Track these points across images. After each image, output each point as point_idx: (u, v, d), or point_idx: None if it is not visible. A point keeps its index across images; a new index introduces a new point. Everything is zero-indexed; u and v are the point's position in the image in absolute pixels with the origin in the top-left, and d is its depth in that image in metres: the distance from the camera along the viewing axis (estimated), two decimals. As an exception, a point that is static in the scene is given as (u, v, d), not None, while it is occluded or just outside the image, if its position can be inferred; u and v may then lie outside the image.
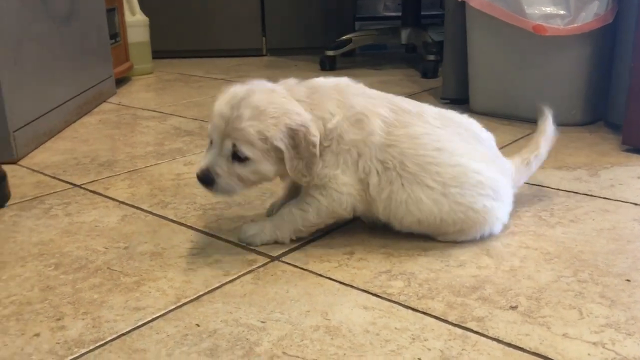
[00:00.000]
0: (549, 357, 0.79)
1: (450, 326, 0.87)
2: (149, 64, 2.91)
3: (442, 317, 0.89)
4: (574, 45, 1.79)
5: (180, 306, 0.93)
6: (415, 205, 1.08)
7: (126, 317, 0.91)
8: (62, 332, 0.87)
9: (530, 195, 1.34)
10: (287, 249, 1.11)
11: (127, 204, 1.34)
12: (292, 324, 0.88)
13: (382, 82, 2.54)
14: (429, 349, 0.82)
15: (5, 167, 1.46)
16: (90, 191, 1.42)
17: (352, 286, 0.98)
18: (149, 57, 2.91)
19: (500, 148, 1.63)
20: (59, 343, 0.85)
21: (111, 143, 1.81)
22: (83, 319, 0.90)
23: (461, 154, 1.09)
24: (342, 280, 1.00)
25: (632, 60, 1.60)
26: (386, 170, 1.08)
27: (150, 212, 1.29)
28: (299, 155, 1.03)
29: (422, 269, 1.03)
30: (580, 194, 1.34)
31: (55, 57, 1.92)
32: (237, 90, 1.07)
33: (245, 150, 1.02)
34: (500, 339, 0.83)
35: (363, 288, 0.98)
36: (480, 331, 0.85)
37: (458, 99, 2.13)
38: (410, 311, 0.91)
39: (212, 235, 1.18)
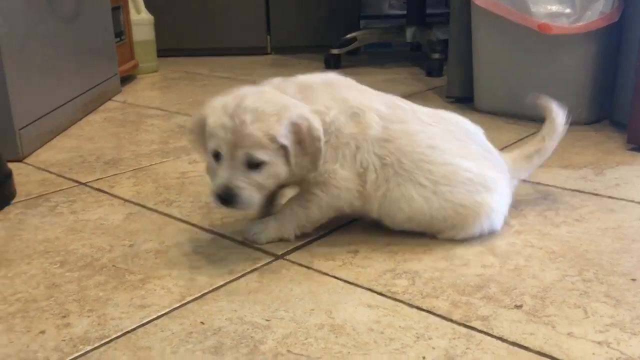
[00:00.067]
0: (554, 356, 0.79)
1: (454, 325, 0.87)
2: (154, 63, 2.91)
3: (447, 316, 0.89)
4: (579, 43, 1.79)
5: (185, 304, 0.94)
6: (407, 203, 1.09)
7: (131, 314, 0.91)
8: (68, 329, 0.88)
9: (535, 195, 1.33)
10: (291, 247, 1.11)
11: (132, 202, 1.34)
12: (297, 322, 0.88)
13: (386, 80, 2.54)
14: (434, 348, 0.82)
15: (11, 165, 1.46)
16: (96, 189, 1.43)
17: (356, 285, 0.98)
18: (154, 55, 2.92)
19: (505, 147, 1.64)
20: (64, 340, 0.85)
21: (116, 141, 1.82)
22: (88, 317, 0.91)
23: (452, 152, 1.10)
24: (346, 279, 1.00)
25: (638, 59, 1.59)
26: (384, 166, 1.08)
27: (155, 210, 1.30)
28: (305, 150, 1.02)
29: (427, 267, 1.03)
30: (585, 193, 1.34)
31: (60, 55, 1.92)
32: (225, 100, 1.04)
33: (259, 155, 0.99)
34: (505, 338, 0.83)
35: (367, 286, 0.98)
36: (484, 330, 0.85)
37: (463, 98, 2.13)
38: (414, 310, 0.91)
39: (216, 234, 1.18)
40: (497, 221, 1.13)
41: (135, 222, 1.24)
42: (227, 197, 1.00)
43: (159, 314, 0.91)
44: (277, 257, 1.08)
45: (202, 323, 0.88)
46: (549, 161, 1.52)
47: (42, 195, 1.40)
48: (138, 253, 1.10)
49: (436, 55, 2.64)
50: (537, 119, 1.86)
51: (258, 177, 1.01)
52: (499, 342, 0.83)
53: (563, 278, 0.98)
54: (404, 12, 3.03)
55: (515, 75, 1.92)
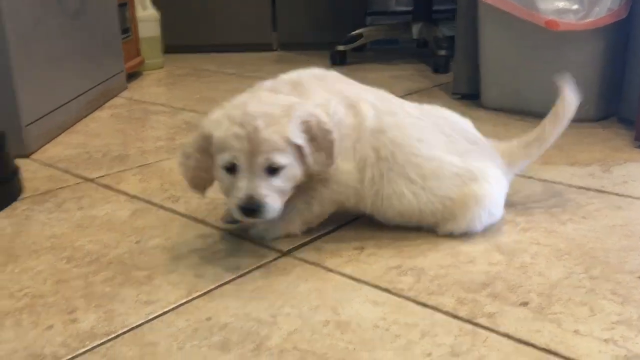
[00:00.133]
0: (560, 353, 0.79)
1: (460, 322, 0.87)
2: (160, 59, 2.91)
3: (453, 313, 0.89)
4: (587, 40, 1.78)
5: (191, 300, 0.94)
6: (397, 199, 1.09)
7: (138, 310, 0.91)
8: (75, 324, 0.88)
9: (541, 192, 1.33)
10: (297, 244, 1.11)
11: (138, 198, 1.35)
12: (302, 318, 0.88)
13: (393, 77, 2.53)
14: (439, 345, 0.82)
15: (18, 162, 1.47)
16: (102, 185, 1.43)
17: (362, 281, 0.98)
18: (160, 52, 2.92)
19: (512, 144, 1.63)
20: (71, 335, 0.85)
21: (122, 137, 1.82)
22: (95, 312, 0.91)
23: (439, 146, 1.11)
24: (352, 275, 1.00)
25: (646, 56, 1.58)
26: (379, 160, 1.08)
27: (162, 207, 1.30)
28: (319, 146, 1.01)
29: (433, 264, 1.03)
30: (592, 190, 1.33)
31: (67, 52, 1.93)
32: (226, 111, 1.02)
33: (279, 159, 0.98)
34: (511, 335, 0.83)
35: (373, 283, 0.98)
36: (490, 327, 0.85)
37: (469, 94, 2.12)
38: (420, 307, 0.91)
39: (223, 230, 1.18)
40: (493, 209, 1.12)
41: (141, 218, 1.25)
42: (254, 207, 0.97)
43: (165, 309, 0.91)
44: (283, 254, 1.08)
45: (209, 319, 0.89)
46: (556, 158, 1.52)
47: (49, 191, 1.40)
48: (144, 249, 1.11)
49: (442, 52, 2.63)
50: (544, 116, 1.85)
51: (278, 182, 1.00)
52: (505, 339, 0.83)
53: (569, 275, 0.98)
54: (410, 8, 3.02)
55: (521, 72, 1.92)
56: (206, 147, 1.02)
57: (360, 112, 1.09)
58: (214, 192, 1.34)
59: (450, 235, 1.12)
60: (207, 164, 1.03)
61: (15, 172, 1.40)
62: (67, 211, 1.29)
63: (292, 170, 1.01)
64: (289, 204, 1.12)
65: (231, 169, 0.99)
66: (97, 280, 1.00)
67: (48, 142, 1.76)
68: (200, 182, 1.06)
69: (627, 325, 0.85)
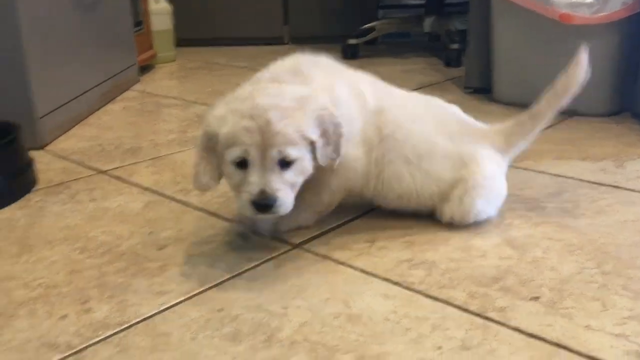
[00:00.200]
0: (571, 348, 0.79)
1: (471, 316, 0.87)
2: (172, 52, 2.92)
3: (463, 307, 0.89)
4: (601, 34, 1.76)
5: (203, 291, 0.95)
6: (397, 181, 1.11)
7: (150, 301, 0.92)
8: (88, 314, 0.89)
9: (554, 186, 1.32)
10: (308, 237, 1.11)
11: (151, 191, 1.36)
12: (313, 311, 0.89)
13: (404, 70, 2.53)
14: (450, 338, 0.82)
15: (32, 153, 1.48)
16: (115, 177, 1.44)
17: (373, 274, 0.99)
18: (172, 45, 2.93)
19: (524, 138, 1.62)
20: (85, 325, 0.86)
21: (135, 130, 1.83)
22: (108, 302, 0.92)
23: (430, 127, 1.13)
24: (363, 269, 1.00)
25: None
26: (381, 141, 1.09)
27: (174, 199, 1.31)
28: (328, 140, 0.99)
29: (444, 258, 1.03)
30: (605, 185, 1.32)
31: (80, 44, 1.94)
32: (233, 106, 0.98)
33: (292, 152, 0.95)
34: (522, 329, 0.83)
35: (384, 276, 0.98)
36: (501, 321, 0.85)
37: (481, 88, 2.11)
38: (431, 300, 0.91)
39: (234, 222, 1.19)
40: (489, 196, 1.12)
41: (154, 210, 1.25)
42: (267, 202, 0.94)
43: (178, 300, 0.92)
44: (294, 247, 1.08)
45: (220, 310, 0.89)
46: (568, 153, 1.51)
47: (63, 183, 1.42)
48: (157, 240, 1.12)
49: (455, 46, 2.61)
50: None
51: (290, 175, 0.97)
52: (516, 333, 0.83)
53: (581, 270, 0.98)
54: (423, 1, 3.00)
55: (535, 66, 1.90)
56: (212, 146, 0.99)
57: (362, 93, 1.09)
58: (225, 186, 1.35)
59: (462, 229, 1.12)
60: (214, 163, 1.00)
61: (29, 163, 1.41)
62: (81, 202, 1.30)
63: (304, 164, 0.99)
64: (297, 195, 1.12)
65: (241, 163, 0.96)
66: (110, 271, 1.01)
67: (62, 135, 1.77)
68: (212, 172, 1.01)
69: (639, 320, 0.84)
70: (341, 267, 1.01)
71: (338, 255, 1.05)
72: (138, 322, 0.87)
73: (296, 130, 0.96)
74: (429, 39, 3.29)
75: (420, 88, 2.17)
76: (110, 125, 1.89)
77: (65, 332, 0.85)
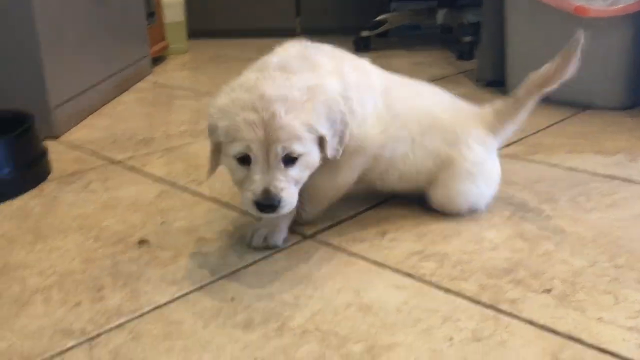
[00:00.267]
0: (583, 340, 0.79)
1: (482, 308, 0.87)
2: (184, 44, 2.93)
3: (475, 299, 0.89)
4: (616, 27, 1.75)
5: (216, 280, 0.95)
6: (402, 159, 1.10)
7: (163, 289, 0.93)
8: (102, 302, 0.90)
9: (566, 180, 1.32)
10: (320, 228, 1.11)
11: (163, 181, 1.36)
12: (325, 300, 0.89)
13: (416, 63, 2.52)
14: (461, 329, 0.82)
15: (46, 143, 1.50)
16: (128, 167, 1.45)
17: (384, 265, 0.99)
18: (185, 36, 2.93)
19: (538, 131, 1.62)
20: (98, 312, 0.87)
21: (148, 121, 1.84)
22: (122, 291, 0.93)
23: (430, 102, 1.14)
24: (374, 260, 1.01)
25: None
26: (392, 118, 1.07)
27: (186, 189, 1.32)
28: (335, 132, 0.95)
29: (455, 250, 1.03)
30: (618, 179, 1.31)
31: (93, 36, 1.95)
32: (235, 96, 0.92)
33: (298, 148, 0.90)
34: (534, 321, 0.83)
35: (395, 268, 0.98)
36: (513, 313, 0.85)
37: (494, 81, 2.09)
38: (442, 292, 0.91)
39: (246, 213, 1.19)
40: (480, 182, 1.12)
41: (166, 200, 1.26)
42: (272, 202, 0.89)
43: (190, 289, 0.93)
44: (305, 237, 1.09)
45: (232, 299, 0.90)
46: (581, 146, 1.50)
47: (76, 172, 1.43)
48: (170, 230, 1.12)
49: (467, 38, 2.60)
50: (570, 103, 1.83)
51: (295, 172, 0.92)
52: (528, 325, 0.83)
53: (594, 264, 0.97)
54: (436, -6, 2.99)
55: (548, 59, 1.88)
56: (215, 140, 0.95)
57: (368, 74, 1.08)
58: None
59: (473, 221, 1.12)
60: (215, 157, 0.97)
61: (43, 153, 1.43)
62: (94, 192, 1.31)
63: (310, 158, 0.93)
64: (309, 182, 1.03)
65: (244, 159, 0.91)
66: (124, 260, 1.02)
67: (75, 125, 1.79)
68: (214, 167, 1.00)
69: (652, 314, 0.84)
70: (353, 258, 1.02)
71: (349, 246, 1.05)
72: (151, 310, 0.88)
73: (304, 124, 0.90)
74: (442, 31, 3.27)
75: (433, 81, 2.16)
76: (123, 116, 1.90)
77: (79, 319, 0.86)
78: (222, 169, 1.38)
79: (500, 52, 2.04)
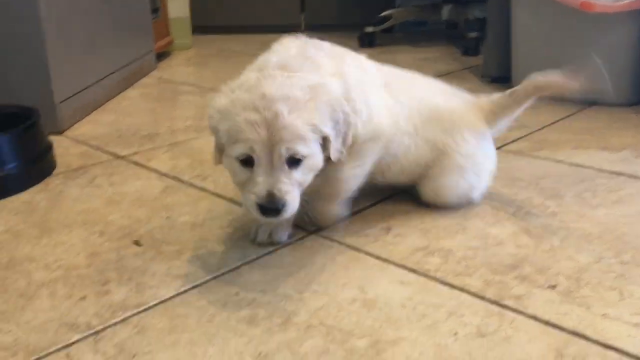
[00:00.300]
0: (588, 336, 0.79)
1: (487, 303, 0.87)
2: (188, 39, 2.93)
3: (480, 294, 0.89)
4: (622, 22, 1.74)
5: (220, 275, 0.95)
6: (404, 154, 1.10)
7: (168, 283, 0.93)
8: (107, 296, 0.90)
9: (572, 176, 1.31)
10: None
11: (168, 176, 1.37)
12: (329, 295, 0.89)
13: (421, 59, 2.51)
14: (465, 325, 0.82)
15: (51, 138, 1.50)
16: (133, 163, 1.46)
17: (389, 261, 0.99)
18: (189, 32, 2.93)
19: (543, 127, 1.61)
20: (104, 306, 0.88)
21: (152, 116, 1.84)
22: (127, 285, 0.93)
23: (430, 93, 1.15)
24: (379, 255, 1.01)
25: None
26: (398, 105, 1.07)
27: (191, 184, 1.32)
28: (338, 132, 0.93)
29: (460, 246, 1.03)
30: (624, 175, 1.31)
31: (99, 31, 1.95)
32: (236, 96, 0.90)
33: (302, 149, 0.87)
34: (538, 317, 0.83)
35: (400, 263, 0.98)
36: (518, 309, 0.85)
37: (500, 77, 2.09)
38: (447, 287, 0.91)
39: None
40: (469, 176, 1.13)
41: (171, 195, 1.26)
42: (276, 206, 0.87)
43: (195, 283, 0.93)
44: (310, 233, 1.09)
45: (237, 294, 0.90)
46: (587, 142, 1.50)
47: (81, 167, 1.43)
48: (175, 225, 1.13)
49: (473, 34, 2.59)
50: (576, 100, 1.82)
51: (298, 174, 0.89)
52: (532, 321, 0.82)
53: (599, 260, 0.97)
54: (441, -10, 2.98)
55: (554, 55, 1.88)
56: (218, 140, 0.93)
57: (368, 70, 1.08)
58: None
59: (478, 217, 1.11)
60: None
61: (48, 148, 1.43)
62: (99, 187, 1.31)
63: (314, 161, 0.91)
64: (322, 181, 1.02)
65: (246, 161, 0.88)
66: (129, 254, 1.02)
67: (80, 120, 1.79)
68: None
69: (657, 310, 0.84)
70: (357, 253, 1.02)
71: (354, 242, 1.05)
72: (156, 305, 0.88)
73: (307, 123, 0.88)
74: (447, 27, 3.26)
75: (438, 77, 2.16)
76: (128, 111, 1.90)
77: (84, 313, 0.86)
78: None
79: (505, 48, 2.03)
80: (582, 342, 0.78)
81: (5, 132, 1.31)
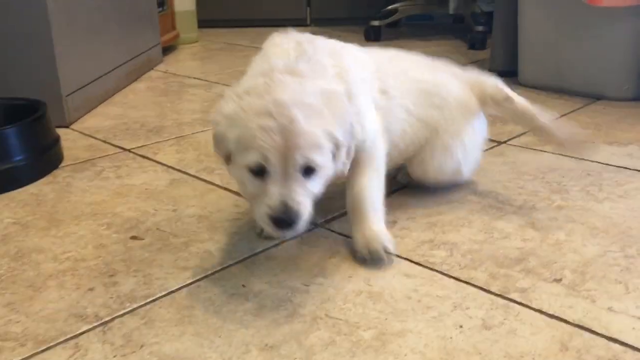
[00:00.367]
0: (593, 329, 0.79)
1: (492, 296, 0.87)
2: (194, 33, 2.94)
3: (485, 287, 0.89)
4: (630, 16, 1.73)
5: (227, 267, 0.96)
6: (401, 137, 1.10)
7: (175, 275, 0.94)
8: (115, 287, 0.91)
9: (578, 170, 1.31)
10: (330, 216, 1.12)
11: (175, 169, 1.37)
12: (335, 288, 0.90)
13: (428, 53, 2.47)
14: (471, 317, 0.82)
15: (58, 131, 1.51)
16: (140, 155, 1.46)
17: (394, 254, 0.99)
18: (195, 26, 2.94)
19: (549, 121, 1.61)
20: (112, 297, 0.89)
21: (159, 109, 1.85)
22: (134, 276, 0.94)
23: (423, 69, 1.16)
24: (384, 248, 1.01)
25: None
26: (389, 98, 1.07)
27: (198, 177, 1.32)
28: (344, 143, 0.89)
29: (466, 239, 1.03)
30: (630, 169, 1.31)
31: (105, 24, 1.96)
32: (244, 103, 0.84)
33: (317, 158, 0.82)
34: (544, 310, 0.83)
35: (405, 256, 0.98)
36: (523, 302, 0.85)
37: (507, 71, 2.08)
38: (452, 280, 0.91)
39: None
40: (460, 156, 1.14)
41: (178, 188, 1.27)
42: (290, 219, 0.81)
43: (202, 275, 0.94)
44: (316, 225, 1.09)
45: (243, 286, 0.91)
46: (594, 137, 1.49)
47: (89, 160, 1.44)
48: (181, 217, 1.13)
49: (480, 28, 2.59)
50: (583, 94, 1.82)
51: (312, 185, 0.84)
52: (537, 314, 0.83)
53: (605, 254, 0.97)
54: (447, -17, 2.97)
55: (561, 49, 1.88)
56: (224, 150, 0.87)
57: (364, 61, 1.07)
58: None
59: (483, 210, 1.12)
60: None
61: (56, 140, 1.44)
62: (106, 179, 1.32)
63: (328, 171, 0.87)
64: (352, 199, 1.01)
65: (258, 171, 0.83)
66: (136, 246, 1.03)
67: (87, 113, 1.80)
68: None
69: (663, 304, 0.84)
70: (363, 246, 1.02)
71: (360, 234, 1.05)
72: (163, 296, 0.89)
73: (324, 131, 0.83)
74: (453, 20, 3.26)
75: (444, 70, 2.15)
76: (134, 104, 1.91)
77: (93, 304, 0.87)
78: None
79: (512, 41, 2.03)
80: (587, 335, 0.78)
81: (13, 124, 1.31)
